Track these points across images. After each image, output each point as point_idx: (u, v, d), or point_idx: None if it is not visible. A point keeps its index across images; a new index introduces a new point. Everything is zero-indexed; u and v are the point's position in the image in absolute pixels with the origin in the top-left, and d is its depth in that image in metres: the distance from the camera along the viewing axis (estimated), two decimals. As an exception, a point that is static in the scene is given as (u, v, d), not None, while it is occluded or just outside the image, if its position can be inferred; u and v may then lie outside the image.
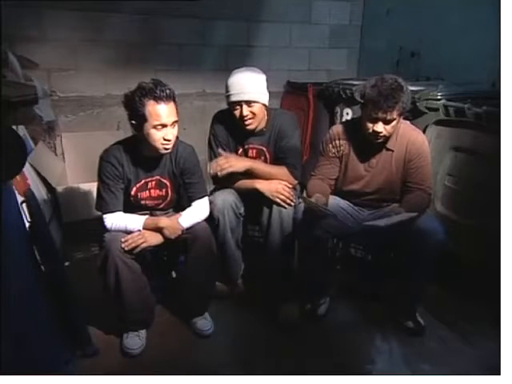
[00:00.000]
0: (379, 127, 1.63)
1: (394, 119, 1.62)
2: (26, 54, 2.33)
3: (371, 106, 1.60)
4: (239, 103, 1.78)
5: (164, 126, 1.52)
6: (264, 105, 1.84)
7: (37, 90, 1.87)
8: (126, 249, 1.54)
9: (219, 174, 1.81)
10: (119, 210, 1.62)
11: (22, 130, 2.17)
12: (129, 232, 1.59)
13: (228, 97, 1.81)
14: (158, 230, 1.61)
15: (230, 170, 1.82)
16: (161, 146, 1.56)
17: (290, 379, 1.31)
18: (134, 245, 1.55)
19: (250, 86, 1.78)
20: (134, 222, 1.61)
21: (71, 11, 2.65)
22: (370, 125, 1.65)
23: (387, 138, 1.71)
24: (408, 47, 3.12)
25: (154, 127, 1.51)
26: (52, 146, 2.84)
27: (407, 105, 1.63)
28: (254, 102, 1.78)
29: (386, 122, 1.62)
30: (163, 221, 1.63)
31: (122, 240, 1.54)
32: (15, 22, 2.45)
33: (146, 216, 1.67)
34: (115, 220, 1.60)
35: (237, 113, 1.81)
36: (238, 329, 1.83)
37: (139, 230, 1.59)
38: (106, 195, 1.60)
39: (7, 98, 1.23)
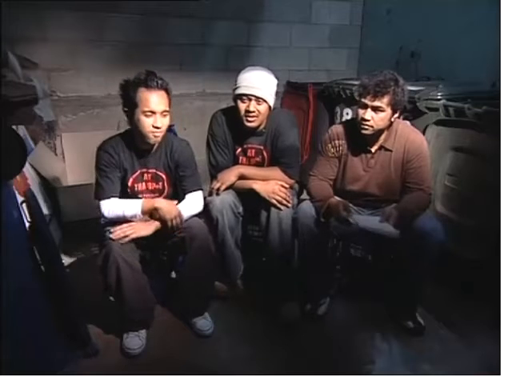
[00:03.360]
0: (367, 114, 1.63)
1: (383, 110, 1.61)
2: (26, 54, 2.33)
3: (361, 91, 1.63)
4: (248, 97, 1.78)
5: (153, 112, 1.56)
6: (269, 107, 1.84)
7: (37, 90, 1.88)
8: (115, 238, 1.54)
9: (220, 192, 1.87)
10: (115, 196, 1.64)
11: (22, 130, 2.18)
12: (128, 219, 1.60)
13: (237, 89, 1.80)
14: (155, 210, 1.64)
15: (224, 187, 1.87)
16: (150, 134, 1.58)
17: (290, 379, 1.31)
18: (122, 235, 1.56)
19: (263, 84, 1.79)
20: (131, 206, 1.63)
21: (71, 11, 2.66)
22: (360, 111, 1.66)
23: (379, 134, 1.70)
24: (408, 47, 3.12)
25: (144, 113, 1.55)
26: (52, 146, 2.85)
27: (401, 100, 1.63)
28: (264, 100, 1.78)
29: (375, 111, 1.62)
30: (160, 201, 1.67)
31: (111, 230, 1.55)
32: (15, 22, 2.45)
33: (142, 199, 1.69)
34: (112, 206, 1.62)
35: (242, 107, 1.80)
36: (238, 329, 1.83)
37: (139, 216, 1.61)
38: (102, 182, 1.63)
39: (7, 98, 1.23)
